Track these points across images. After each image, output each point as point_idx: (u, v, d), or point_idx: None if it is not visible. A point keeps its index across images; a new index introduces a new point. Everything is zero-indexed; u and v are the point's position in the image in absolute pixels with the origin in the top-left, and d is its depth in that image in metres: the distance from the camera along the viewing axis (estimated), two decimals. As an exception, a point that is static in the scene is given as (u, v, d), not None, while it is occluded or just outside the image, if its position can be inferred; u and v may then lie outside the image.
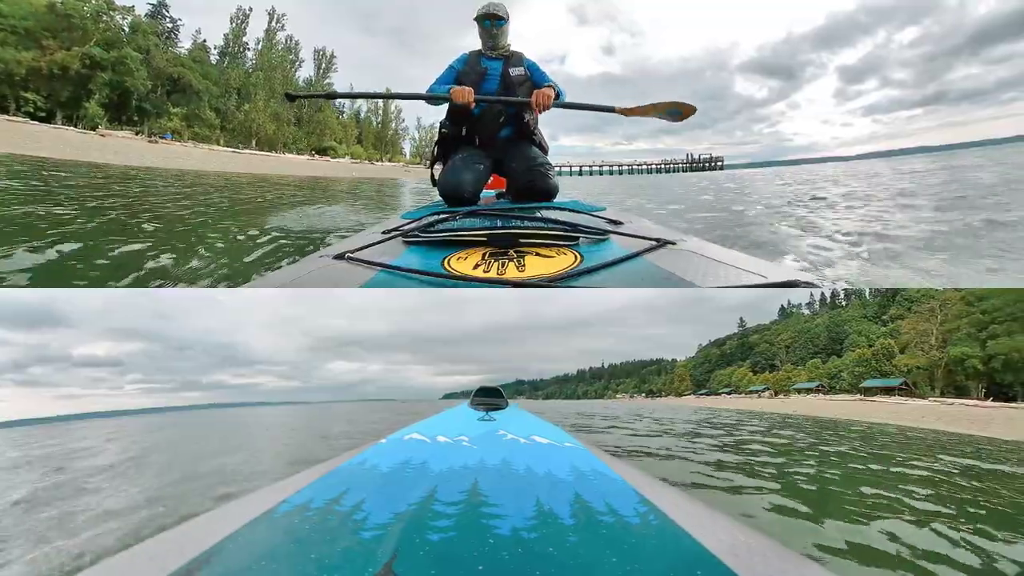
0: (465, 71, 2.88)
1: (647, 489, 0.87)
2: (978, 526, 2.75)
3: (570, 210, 2.05)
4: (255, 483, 3.59)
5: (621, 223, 1.79)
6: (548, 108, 2.70)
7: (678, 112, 3.09)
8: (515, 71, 2.87)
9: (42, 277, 3.04)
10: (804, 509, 2.90)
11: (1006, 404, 18.31)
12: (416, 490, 0.81)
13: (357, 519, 0.67)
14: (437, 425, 1.60)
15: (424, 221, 1.81)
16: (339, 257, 1.42)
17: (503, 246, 1.42)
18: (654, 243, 1.39)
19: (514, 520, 0.67)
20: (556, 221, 1.56)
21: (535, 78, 2.92)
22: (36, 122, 33.58)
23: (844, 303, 45.79)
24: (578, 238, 1.47)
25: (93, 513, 2.99)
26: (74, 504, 3.26)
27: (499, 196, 3.10)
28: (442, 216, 1.86)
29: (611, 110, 2.87)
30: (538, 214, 1.75)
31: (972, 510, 3.12)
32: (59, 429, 15.47)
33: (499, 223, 1.55)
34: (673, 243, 1.42)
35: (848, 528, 2.54)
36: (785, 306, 54.77)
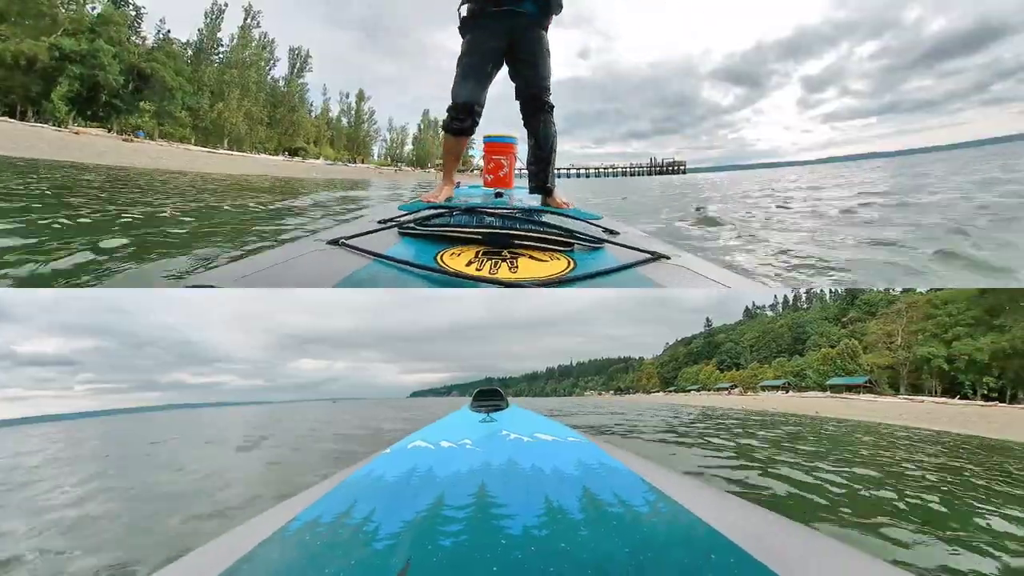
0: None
1: (655, 477, 0.88)
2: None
3: (567, 216, 2.07)
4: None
5: (617, 233, 1.80)
6: None
7: None
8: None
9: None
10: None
11: (970, 402, 20.91)
12: (424, 497, 0.81)
13: (368, 531, 0.66)
14: (439, 431, 1.58)
15: (420, 214, 1.82)
16: (333, 243, 1.42)
17: (498, 246, 1.42)
18: (648, 256, 1.41)
19: (524, 519, 0.67)
20: (553, 226, 1.57)
21: None
22: (14, 120, 31.42)
23: (806, 305, 49.26)
24: (573, 245, 1.49)
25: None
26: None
27: (497, 195, 3.10)
28: (439, 211, 1.86)
29: None
30: (535, 218, 1.79)
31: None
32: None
33: (496, 222, 1.56)
34: (667, 258, 1.44)
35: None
36: (750, 307, 58.41)
